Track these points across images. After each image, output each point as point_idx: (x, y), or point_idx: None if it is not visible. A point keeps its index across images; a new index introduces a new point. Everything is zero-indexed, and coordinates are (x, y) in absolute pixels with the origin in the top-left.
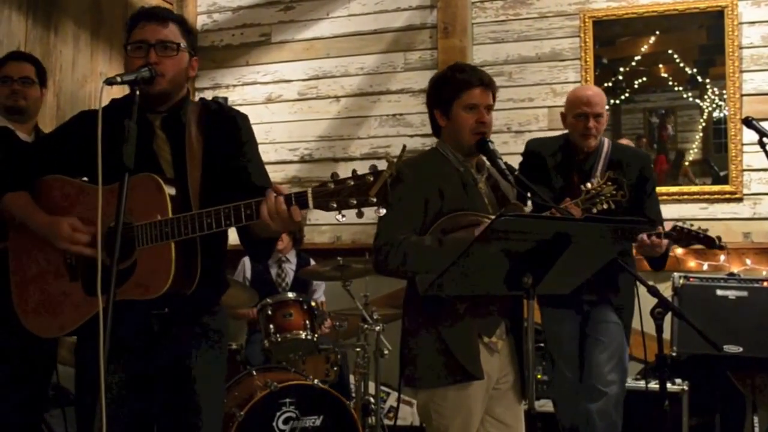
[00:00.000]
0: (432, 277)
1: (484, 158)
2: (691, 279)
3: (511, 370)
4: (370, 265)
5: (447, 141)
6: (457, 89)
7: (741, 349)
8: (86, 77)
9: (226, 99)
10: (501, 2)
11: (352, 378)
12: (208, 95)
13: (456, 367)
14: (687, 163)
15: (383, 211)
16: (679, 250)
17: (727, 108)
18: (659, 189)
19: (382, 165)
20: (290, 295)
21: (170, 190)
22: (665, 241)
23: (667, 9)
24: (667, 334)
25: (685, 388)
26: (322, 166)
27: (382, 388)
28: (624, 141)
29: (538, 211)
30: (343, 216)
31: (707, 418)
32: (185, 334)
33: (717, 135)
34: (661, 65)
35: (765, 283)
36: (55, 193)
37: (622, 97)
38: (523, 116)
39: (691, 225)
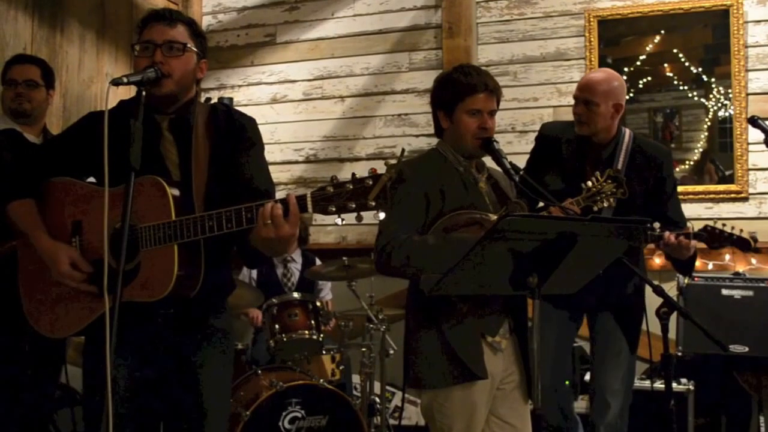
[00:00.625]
0: (437, 278)
1: (484, 159)
2: (696, 278)
3: (516, 369)
4: None
5: (448, 142)
6: (461, 93)
7: (747, 349)
8: (92, 78)
9: (231, 99)
10: (506, 2)
11: (357, 378)
12: (214, 96)
13: (459, 366)
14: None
15: (383, 215)
16: None
17: (732, 107)
18: None
19: (382, 167)
20: (296, 295)
21: (174, 193)
22: (693, 242)
23: (672, 8)
24: (672, 334)
25: (691, 387)
26: (327, 167)
27: (388, 388)
28: None
29: (541, 209)
30: (343, 219)
31: (713, 417)
32: (191, 334)
33: (722, 134)
34: (666, 64)
35: None
36: (62, 195)
37: (627, 97)
38: (527, 116)
39: (723, 225)
